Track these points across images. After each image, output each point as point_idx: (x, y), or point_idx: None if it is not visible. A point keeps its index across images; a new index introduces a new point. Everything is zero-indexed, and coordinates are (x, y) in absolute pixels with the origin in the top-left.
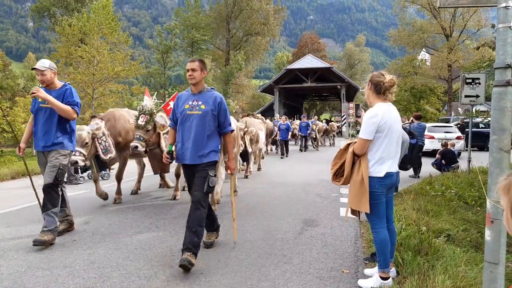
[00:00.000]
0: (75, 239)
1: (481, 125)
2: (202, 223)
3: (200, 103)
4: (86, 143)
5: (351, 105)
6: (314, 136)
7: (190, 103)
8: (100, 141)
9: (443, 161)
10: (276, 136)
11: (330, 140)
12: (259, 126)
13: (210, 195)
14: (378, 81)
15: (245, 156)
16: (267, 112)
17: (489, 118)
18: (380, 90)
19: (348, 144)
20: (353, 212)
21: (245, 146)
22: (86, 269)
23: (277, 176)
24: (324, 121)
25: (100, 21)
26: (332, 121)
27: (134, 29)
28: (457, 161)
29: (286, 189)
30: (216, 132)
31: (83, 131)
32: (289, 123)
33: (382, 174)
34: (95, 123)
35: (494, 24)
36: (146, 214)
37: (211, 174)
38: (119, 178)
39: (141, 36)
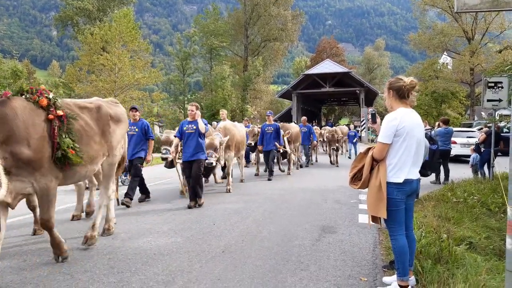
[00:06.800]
0: (95, 244)
1: (504, 130)
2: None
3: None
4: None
5: (370, 110)
6: (281, 150)
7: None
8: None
9: (482, 145)
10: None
11: (335, 155)
12: None
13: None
14: (399, 86)
15: None
16: (286, 118)
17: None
18: (403, 93)
19: (369, 148)
20: (374, 219)
21: None
22: (106, 273)
23: (294, 182)
24: (341, 125)
25: (121, 30)
26: (335, 124)
27: (155, 36)
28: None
29: (304, 195)
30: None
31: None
32: (207, 124)
33: (400, 180)
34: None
35: None
36: (165, 220)
37: None
38: None
39: (161, 43)
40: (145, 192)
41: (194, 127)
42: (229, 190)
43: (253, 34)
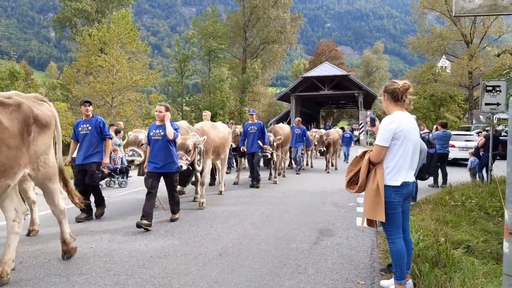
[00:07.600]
0: (91, 247)
1: (503, 133)
2: None
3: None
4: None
5: (369, 112)
6: (269, 156)
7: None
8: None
9: (481, 150)
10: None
11: (332, 159)
12: None
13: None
14: (393, 88)
15: None
16: (284, 120)
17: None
18: (397, 96)
19: (365, 152)
20: (369, 222)
21: None
22: (102, 276)
23: (293, 184)
24: (337, 128)
25: (119, 31)
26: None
27: (153, 38)
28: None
29: (302, 198)
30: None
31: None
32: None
33: (398, 183)
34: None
35: None
36: (162, 223)
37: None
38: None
39: (159, 45)
40: (102, 204)
41: (162, 133)
42: (220, 192)
43: (252, 37)
